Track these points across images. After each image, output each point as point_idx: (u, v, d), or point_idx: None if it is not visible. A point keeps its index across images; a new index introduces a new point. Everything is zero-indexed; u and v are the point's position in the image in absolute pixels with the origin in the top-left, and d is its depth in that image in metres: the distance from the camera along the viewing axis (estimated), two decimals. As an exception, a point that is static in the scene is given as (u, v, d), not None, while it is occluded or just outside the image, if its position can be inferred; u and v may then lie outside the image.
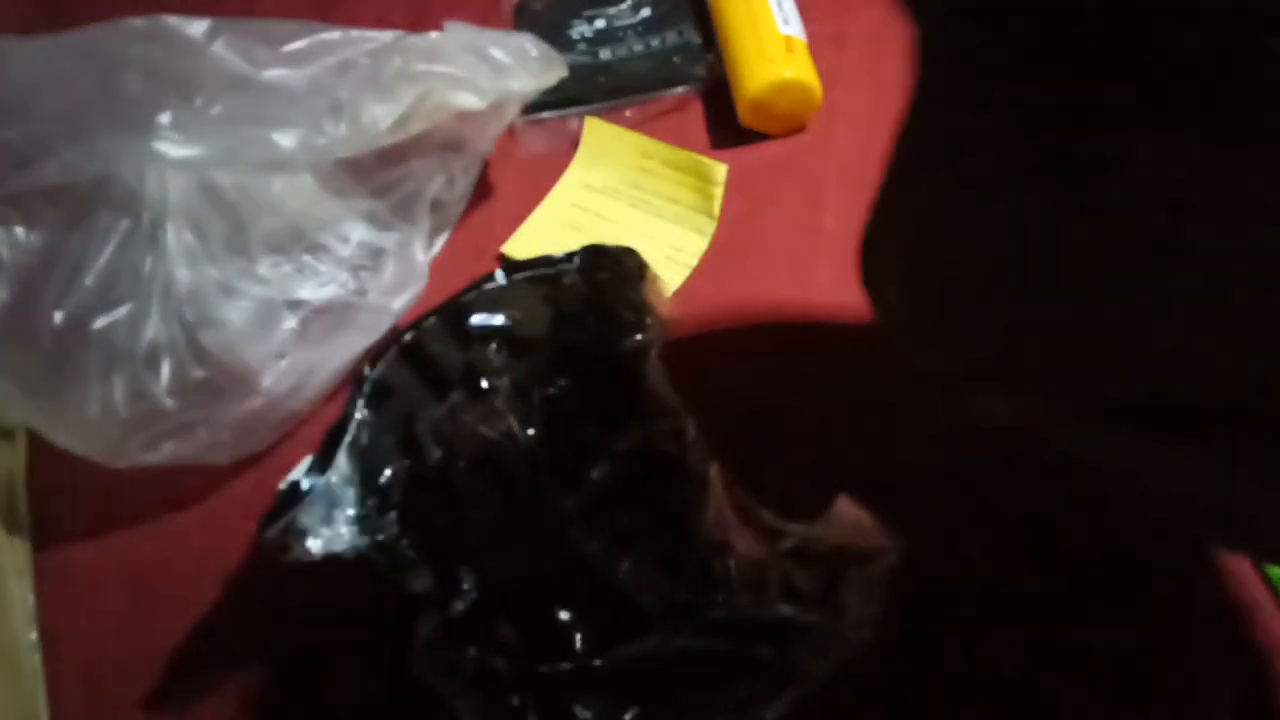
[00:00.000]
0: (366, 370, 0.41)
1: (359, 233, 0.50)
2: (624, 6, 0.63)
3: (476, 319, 0.43)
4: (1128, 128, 0.21)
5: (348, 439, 0.39)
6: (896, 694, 0.40)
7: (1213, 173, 0.20)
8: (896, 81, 0.27)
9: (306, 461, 0.38)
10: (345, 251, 0.49)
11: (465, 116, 0.48)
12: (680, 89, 0.60)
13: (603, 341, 0.41)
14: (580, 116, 0.59)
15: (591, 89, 0.60)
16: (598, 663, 0.36)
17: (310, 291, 0.48)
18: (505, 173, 0.58)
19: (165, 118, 0.41)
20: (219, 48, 0.44)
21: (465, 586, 0.37)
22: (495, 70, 0.48)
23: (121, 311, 0.41)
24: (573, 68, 0.54)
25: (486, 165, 0.56)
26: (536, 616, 0.38)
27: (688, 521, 0.38)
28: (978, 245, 0.26)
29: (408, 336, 0.43)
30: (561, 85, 0.52)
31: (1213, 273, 0.21)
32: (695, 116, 0.59)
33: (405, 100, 0.45)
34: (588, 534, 0.38)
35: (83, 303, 0.40)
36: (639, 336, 0.40)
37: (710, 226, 0.55)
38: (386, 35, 0.47)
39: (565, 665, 0.36)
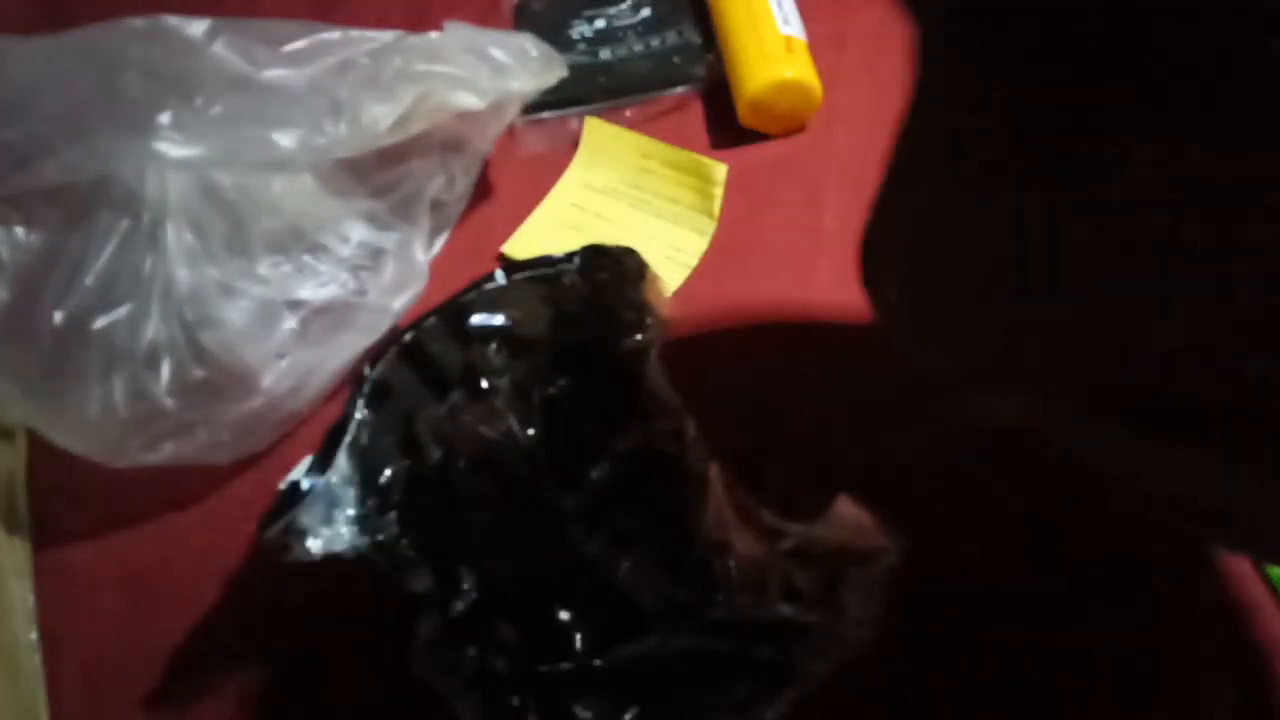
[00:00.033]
0: (366, 370, 0.41)
1: (359, 233, 0.50)
2: (624, 6, 0.63)
3: (476, 319, 0.43)
4: (1128, 128, 0.21)
5: (348, 439, 0.39)
6: (896, 694, 0.40)
7: (1213, 173, 0.20)
8: (896, 81, 0.27)
9: (306, 461, 0.38)
10: (345, 251, 0.49)
11: (465, 116, 0.48)
12: (680, 89, 0.60)
13: (603, 341, 0.41)
14: (580, 116, 0.59)
15: (591, 89, 0.60)
16: (598, 663, 0.36)
17: (310, 291, 0.48)
18: (505, 173, 0.58)
19: (165, 118, 0.41)
20: (219, 48, 0.44)
21: (465, 586, 0.37)
22: (495, 70, 0.48)
23: (121, 311, 0.41)
24: (573, 68, 0.54)
25: (486, 165, 0.56)
26: (536, 616, 0.38)
27: (688, 521, 0.38)
28: (978, 245, 0.26)
29: (408, 336, 0.43)
30: (561, 85, 0.52)
31: (1213, 273, 0.21)
32: (695, 116, 0.59)
33: (405, 100, 0.45)
34: (588, 534, 0.38)
35: (83, 303, 0.40)
36: (639, 336, 0.40)
37: (710, 226, 0.55)
38: (386, 35, 0.47)
39: (565, 665, 0.36)
